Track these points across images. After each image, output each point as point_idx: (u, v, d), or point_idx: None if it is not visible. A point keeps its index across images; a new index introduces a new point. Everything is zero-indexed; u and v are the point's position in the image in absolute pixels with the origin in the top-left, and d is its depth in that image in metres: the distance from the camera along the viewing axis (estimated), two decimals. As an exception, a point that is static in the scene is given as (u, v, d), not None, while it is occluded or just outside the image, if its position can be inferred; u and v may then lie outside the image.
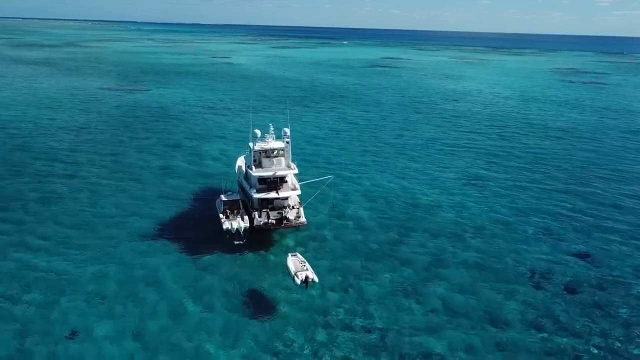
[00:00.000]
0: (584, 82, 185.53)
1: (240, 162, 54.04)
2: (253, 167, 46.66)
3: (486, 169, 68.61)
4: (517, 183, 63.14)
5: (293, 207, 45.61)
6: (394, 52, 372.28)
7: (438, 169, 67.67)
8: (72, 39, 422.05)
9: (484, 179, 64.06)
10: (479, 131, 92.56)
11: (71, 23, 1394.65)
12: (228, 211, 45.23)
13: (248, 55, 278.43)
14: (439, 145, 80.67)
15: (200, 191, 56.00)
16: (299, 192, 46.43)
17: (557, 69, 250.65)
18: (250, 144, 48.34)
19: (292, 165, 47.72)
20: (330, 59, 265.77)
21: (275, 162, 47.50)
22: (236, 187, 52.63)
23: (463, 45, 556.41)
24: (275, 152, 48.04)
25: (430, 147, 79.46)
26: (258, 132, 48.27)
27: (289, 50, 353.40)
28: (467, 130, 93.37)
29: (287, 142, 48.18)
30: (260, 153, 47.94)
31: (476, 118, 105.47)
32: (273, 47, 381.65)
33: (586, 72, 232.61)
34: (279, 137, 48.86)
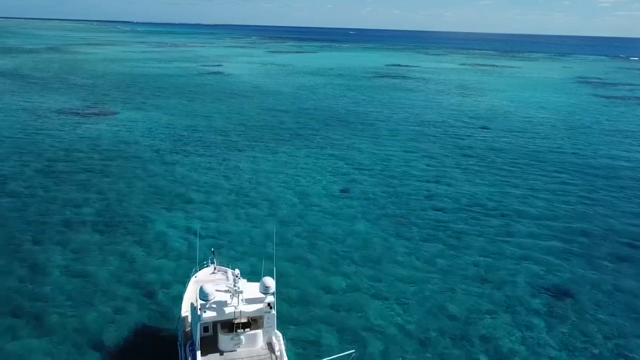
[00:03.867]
0: (624, 98, 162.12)
1: (186, 308, 30.05)
2: (198, 352, 23.51)
3: (571, 272, 45.30)
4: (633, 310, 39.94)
5: None
6: (400, 57, 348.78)
7: (511, 288, 44.24)
8: (58, 42, 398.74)
9: (575, 297, 40.87)
10: (534, 185, 68.99)
11: (67, 24, 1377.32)
12: None
13: (242, 63, 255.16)
14: (492, 219, 56.96)
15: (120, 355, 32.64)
16: None
17: (581, 78, 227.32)
18: (196, 305, 25.07)
19: (278, 344, 24.63)
20: (333, 67, 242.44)
21: (243, 342, 24.36)
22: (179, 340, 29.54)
23: (469, 49, 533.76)
24: (246, 321, 24.92)
25: (479, 222, 55.99)
26: (210, 290, 24.39)
27: (288, 55, 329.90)
28: (517, 183, 69.90)
29: (270, 306, 24.94)
30: (215, 326, 24.77)
31: (522, 160, 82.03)
32: (271, 52, 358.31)
33: (618, 84, 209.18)
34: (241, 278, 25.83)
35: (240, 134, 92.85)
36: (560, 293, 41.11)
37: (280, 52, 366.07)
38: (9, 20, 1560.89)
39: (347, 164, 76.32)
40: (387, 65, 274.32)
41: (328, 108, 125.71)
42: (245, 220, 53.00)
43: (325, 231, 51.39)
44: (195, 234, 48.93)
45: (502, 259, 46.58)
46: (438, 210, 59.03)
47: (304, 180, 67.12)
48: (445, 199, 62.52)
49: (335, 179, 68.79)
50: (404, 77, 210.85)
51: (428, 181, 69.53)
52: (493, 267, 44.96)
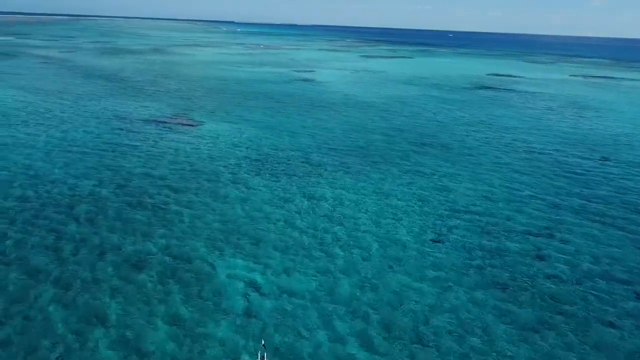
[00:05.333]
0: None
1: None
2: None
3: None
4: None
5: None
6: (501, 65, 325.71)
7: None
8: (163, 43, 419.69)
9: None
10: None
11: (175, 24, 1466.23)
12: None
13: (334, 68, 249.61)
14: (624, 302, 44.73)
15: None
16: None
17: None
18: None
19: None
20: (428, 76, 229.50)
21: None
22: None
23: (580, 56, 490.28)
24: None
25: (604, 305, 43.81)
26: None
27: (382, 61, 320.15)
28: (655, 244, 56.01)
29: None
30: None
31: (658, 209, 67.10)
32: (364, 56, 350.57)
33: None
34: None
35: (321, 157, 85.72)
36: None
37: (373, 56, 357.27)
38: (127, 21, 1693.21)
39: (438, 203, 66.25)
40: (487, 74, 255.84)
41: (420, 127, 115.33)
42: (311, 285, 45.28)
43: (406, 305, 42.34)
44: (250, 301, 42.21)
45: (644, 374, 34.90)
46: (550, 278, 47.69)
47: (385, 227, 58.16)
48: (560, 264, 50.78)
49: (424, 225, 59.12)
50: (506, 89, 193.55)
51: (538, 234, 57.74)
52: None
